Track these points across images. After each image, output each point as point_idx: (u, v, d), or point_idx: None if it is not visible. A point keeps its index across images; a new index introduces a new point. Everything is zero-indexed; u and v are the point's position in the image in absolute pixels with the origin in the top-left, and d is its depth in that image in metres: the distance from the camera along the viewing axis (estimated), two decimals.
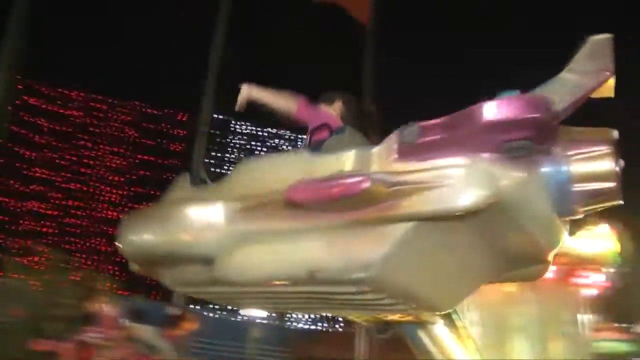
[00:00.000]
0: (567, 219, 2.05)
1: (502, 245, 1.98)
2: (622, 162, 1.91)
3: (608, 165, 1.87)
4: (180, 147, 26.24)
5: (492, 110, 1.64)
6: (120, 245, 2.42)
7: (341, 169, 1.90)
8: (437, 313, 2.45)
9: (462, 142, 1.75)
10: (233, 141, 68.45)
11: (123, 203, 23.38)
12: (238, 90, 2.66)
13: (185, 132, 25.16)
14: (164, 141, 26.11)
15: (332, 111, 2.73)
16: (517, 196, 1.73)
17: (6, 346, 8.07)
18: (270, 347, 17.42)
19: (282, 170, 2.13)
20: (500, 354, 3.81)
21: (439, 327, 2.85)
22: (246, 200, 2.14)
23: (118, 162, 24.71)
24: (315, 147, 2.44)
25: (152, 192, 21.29)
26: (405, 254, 1.79)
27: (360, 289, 1.85)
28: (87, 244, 21.88)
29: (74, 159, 23.96)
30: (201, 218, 2.20)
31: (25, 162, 22.48)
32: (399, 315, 2.41)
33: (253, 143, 73.59)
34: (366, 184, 1.70)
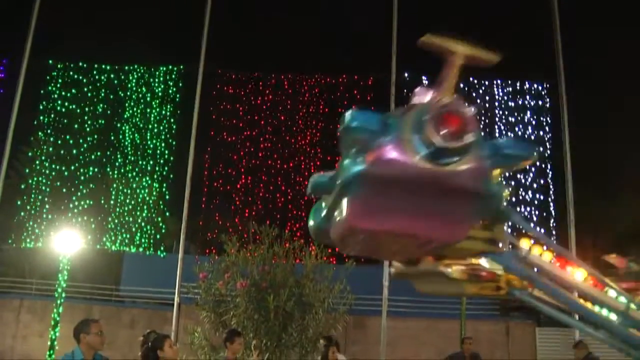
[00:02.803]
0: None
1: None
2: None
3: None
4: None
5: None
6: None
7: None
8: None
9: None
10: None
11: (322, 173, 23.19)
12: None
13: (372, 95, 23.94)
14: (353, 106, 25.41)
15: None
16: None
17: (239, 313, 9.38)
18: None
19: None
20: None
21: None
22: None
23: (313, 133, 24.38)
24: None
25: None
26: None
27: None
28: (294, 216, 22.12)
29: (272, 137, 23.99)
30: None
31: (229, 147, 22.88)
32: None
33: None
34: None
